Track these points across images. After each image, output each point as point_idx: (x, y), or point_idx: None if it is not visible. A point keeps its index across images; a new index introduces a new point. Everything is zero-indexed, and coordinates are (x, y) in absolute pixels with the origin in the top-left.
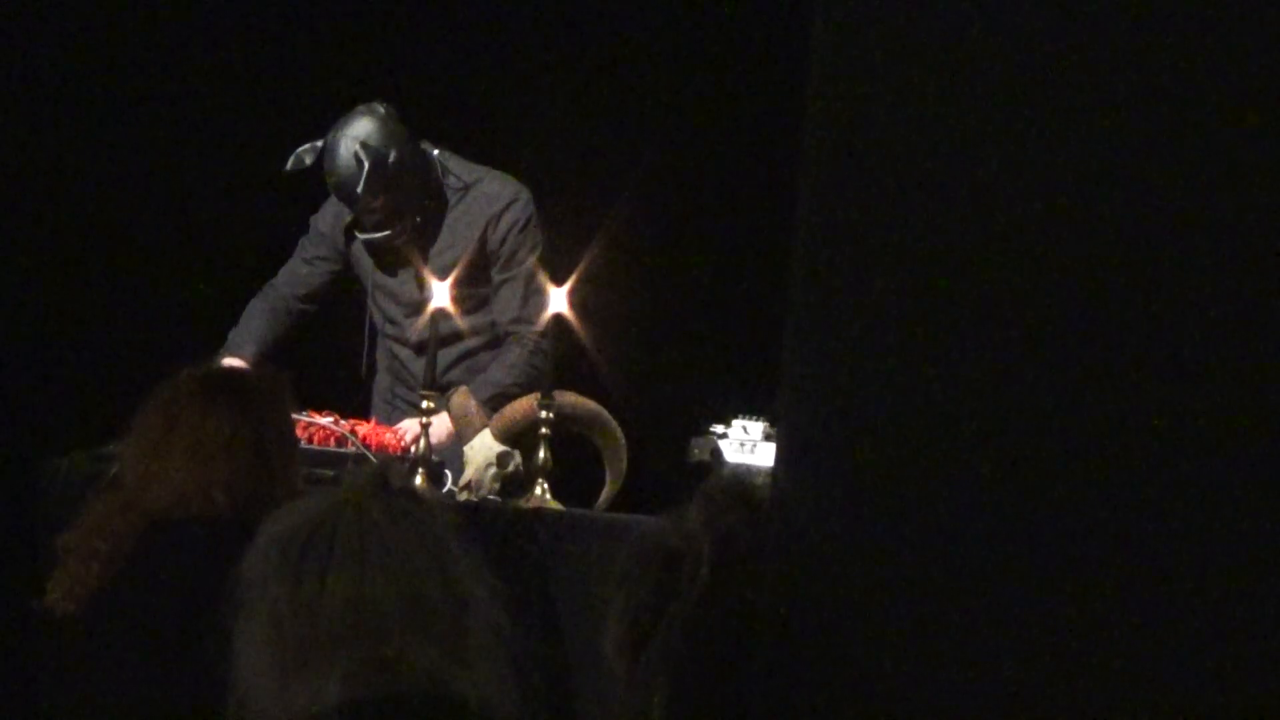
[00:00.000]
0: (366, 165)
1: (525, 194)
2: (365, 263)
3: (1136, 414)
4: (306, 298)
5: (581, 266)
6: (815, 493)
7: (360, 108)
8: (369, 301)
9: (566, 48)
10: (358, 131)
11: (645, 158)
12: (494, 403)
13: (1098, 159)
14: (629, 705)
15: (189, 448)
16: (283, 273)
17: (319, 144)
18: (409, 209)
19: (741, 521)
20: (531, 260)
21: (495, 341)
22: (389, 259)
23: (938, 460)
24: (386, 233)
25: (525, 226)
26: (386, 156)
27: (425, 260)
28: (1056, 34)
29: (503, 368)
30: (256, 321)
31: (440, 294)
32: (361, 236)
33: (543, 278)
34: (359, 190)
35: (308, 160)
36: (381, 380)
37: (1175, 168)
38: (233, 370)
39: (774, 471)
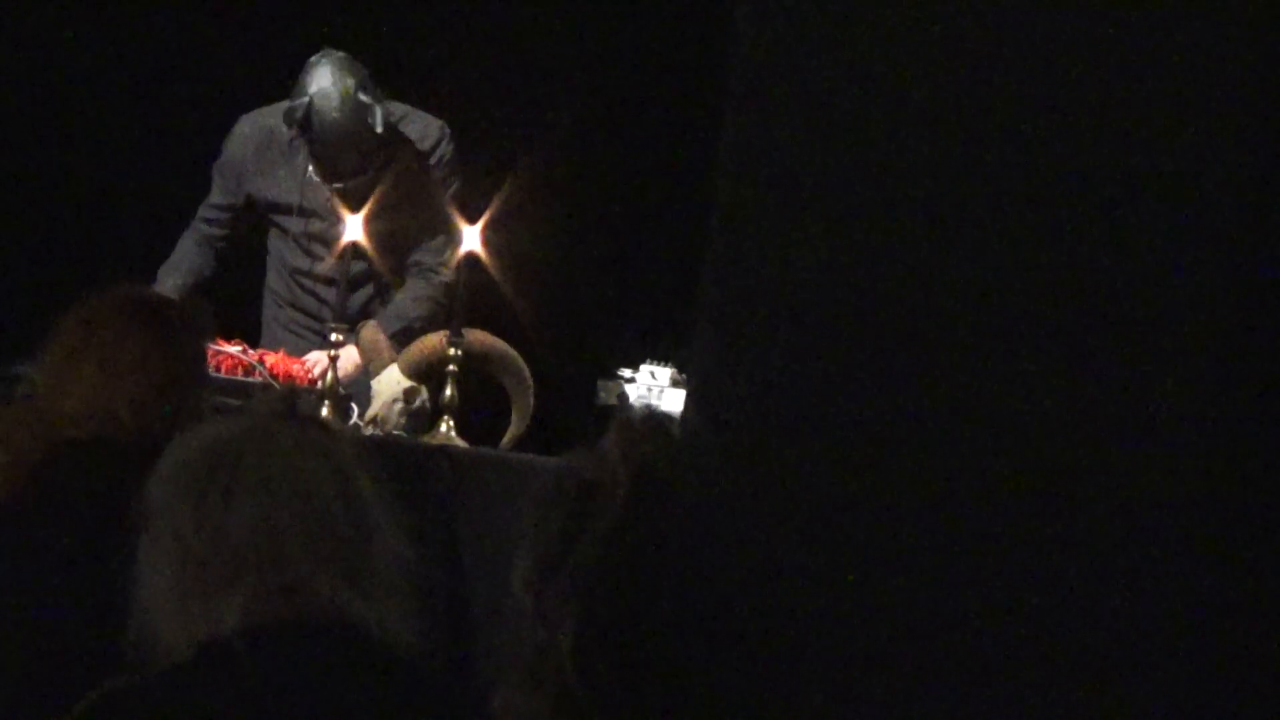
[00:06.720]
0: (378, 108)
1: (448, 131)
2: (288, 198)
3: (1035, 384)
4: (229, 235)
5: (494, 206)
6: (723, 433)
7: (321, 56)
8: (281, 235)
9: None
10: (347, 78)
11: (562, 98)
12: (400, 336)
13: (1025, 133)
14: (535, 636)
15: (101, 363)
16: (203, 210)
17: (304, 100)
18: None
19: (659, 451)
20: (447, 197)
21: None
22: (348, 201)
23: (845, 403)
24: (374, 171)
25: (447, 165)
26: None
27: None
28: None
29: (409, 300)
30: (187, 255)
31: (354, 227)
32: (339, 185)
33: (456, 216)
34: (377, 129)
35: (299, 116)
36: (283, 312)
37: (1111, 153)
38: (154, 293)
39: (683, 412)
